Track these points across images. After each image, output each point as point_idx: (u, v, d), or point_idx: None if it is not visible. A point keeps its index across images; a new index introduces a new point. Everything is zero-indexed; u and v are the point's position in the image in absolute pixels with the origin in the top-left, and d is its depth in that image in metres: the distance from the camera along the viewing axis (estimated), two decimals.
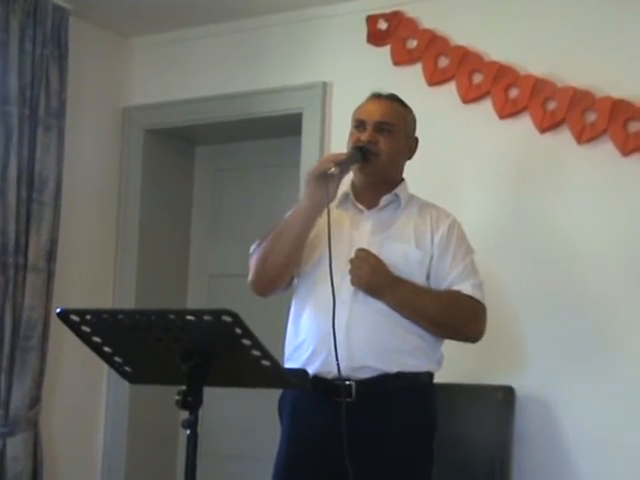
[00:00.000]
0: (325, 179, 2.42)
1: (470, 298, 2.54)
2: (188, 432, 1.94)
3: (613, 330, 3.28)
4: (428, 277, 2.56)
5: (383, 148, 2.57)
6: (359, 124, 2.63)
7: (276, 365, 2.02)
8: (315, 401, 2.49)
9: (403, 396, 2.48)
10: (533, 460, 3.31)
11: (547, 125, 3.42)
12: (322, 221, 2.51)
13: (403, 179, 2.70)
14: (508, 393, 3.31)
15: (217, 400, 4.00)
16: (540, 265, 3.41)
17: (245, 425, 4.26)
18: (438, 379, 3.47)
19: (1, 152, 3.64)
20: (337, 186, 2.47)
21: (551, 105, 3.42)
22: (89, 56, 4.18)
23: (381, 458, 2.44)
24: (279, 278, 2.59)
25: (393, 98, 2.71)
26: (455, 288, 2.54)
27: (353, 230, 2.56)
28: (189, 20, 4.19)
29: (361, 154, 2.54)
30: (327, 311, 2.40)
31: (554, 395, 3.32)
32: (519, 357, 3.41)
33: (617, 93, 3.30)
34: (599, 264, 3.32)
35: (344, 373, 2.41)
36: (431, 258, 2.56)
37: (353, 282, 2.47)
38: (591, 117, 3.35)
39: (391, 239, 2.57)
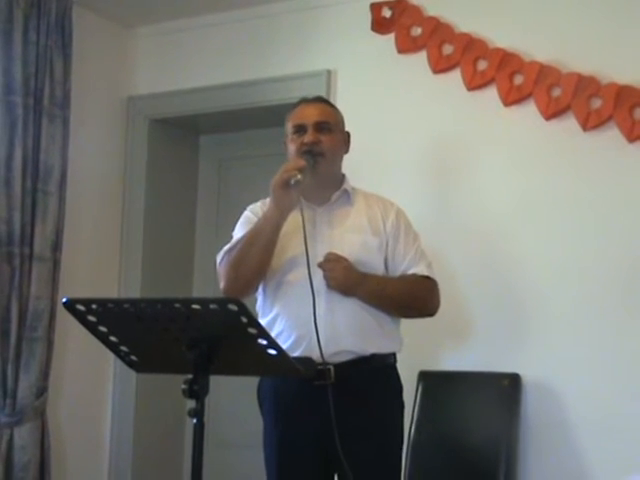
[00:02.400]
0: (289, 187, 2.57)
1: (426, 278, 2.78)
2: (194, 421, 1.95)
3: (619, 317, 3.26)
4: (385, 261, 2.76)
5: (326, 146, 2.74)
6: (299, 129, 2.78)
7: (282, 353, 2.03)
8: (296, 386, 2.64)
9: (377, 376, 2.70)
10: (539, 446, 3.31)
11: (552, 112, 3.41)
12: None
13: (344, 174, 2.86)
14: (514, 380, 3.31)
15: (223, 389, 4.01)
16: (551, 251, 3.39)
17: (251, 414, 4.26)
18: (445, 367, 3.48)
19: (6, 142, 3.64)
20: (300, 192, 2.60)
21: (556, 92, 3.40)
22: (93, 46, 4.17)
23: (362, 434, 2.62)
24: (252, 284, 2.74)
25: (322, 100, 2.93)
26: (412, 271, 2.76)
27: (311, 228, 2.66)
28: (193, 9, 4.18)
29: (313, 157, 2.69)
30: (303, 303, 2.59)
31: (560, 382, 3.32)
32: (525, 344, 3.40)
33: (623, 79, 3.28)
34: (606, 251, 3.30)
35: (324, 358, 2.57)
36: (386, 244, 2.77)
37: (330, 285, 2.64)
38: (596, 103, 3.33)
39: (350, 231, 2.75)
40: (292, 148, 2.78)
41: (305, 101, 2.89)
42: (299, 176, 2.55)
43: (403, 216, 2.84)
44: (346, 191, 2.81)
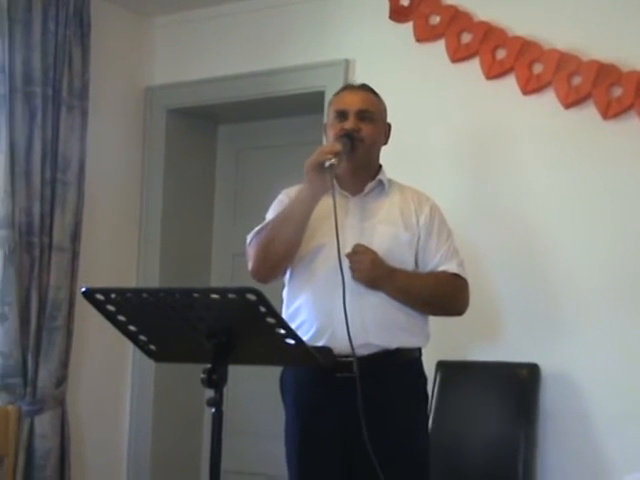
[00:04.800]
0: (323, 169, 2.54)
1: (457, 276, 2.73)
2: (213, 410, 1.95)
3: (639, 308, 3.24)
4: (416, 257, 2.72)
5: (366, 134, 2.70)
6: (340, 114, 2.74)
7: (301, 343, 2.03)
8: (318, 377, 2.62)
9: (401, 371, 2.67)
10: (558, 437, 3.30)
11: (572, 100, 3.38)
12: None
13: (381, 165, 2.82)
14: (533, 370, 3.31)
15: (242, 378, 4.02)
16: (571, 241, 3.38)
17: (269, 403, 4.27)
18: (464, 357, 3.48)
19: (25, 133, 3.65)
20: (334, 175, 2.57)
21: (576, 80, 3.38)
22: (111, 36, 4.18)
23: (385, 427, 2.57)
24: (280, 265, 2.71)
25: (367, 88, 2.83)
26: (442, 268, 2.72)
27: (343, 217, 2.62)
28: None
29: (350, 142, 2.65)
30: (328, 294, 2.58)
31: (579, 372, 3.30)
32: (544, 334, 3.38)
33: None
34: (626, 242, 3.29)
35: (347, 350, 2.53)
36: (418, 239, 2.73)
37: (355, 277, 2.60)
38: (617, 92, 3.30)
39: (381, 224, 2.72)
40: (331, 134, 2.74)
41: (350, 87, 2.86)
42: (333, 160, 2.52)
43: (438, 211, 2.79)
44: (381, 182, 2.77)
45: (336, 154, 2.54)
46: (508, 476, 3.18)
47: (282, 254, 2.65)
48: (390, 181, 2.80)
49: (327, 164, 2.52)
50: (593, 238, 3.34)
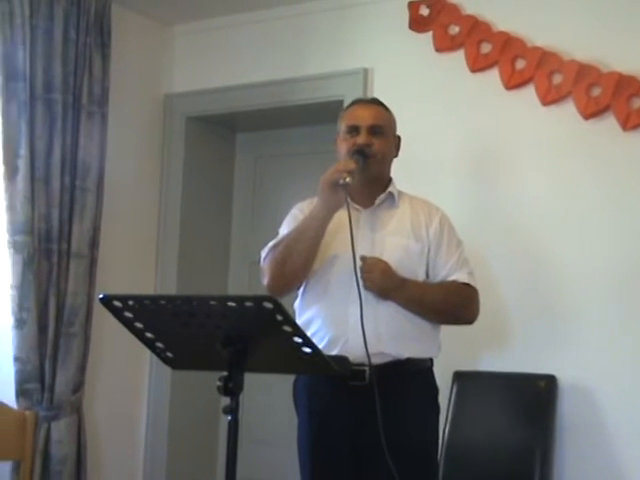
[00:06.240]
0: (337, 187, 2.58)
1: (467, 286, 2.76)
2: (229, 418, 1.95)
3: None
4: (427, 267, 2.76)
5: (377, 149, 2.74)
6: (352, 129, 2.78)
7: (318, 351, 2.03)
8: (331, 385, 2.64)
9: (412, 380, 2.69)
10: (575, 448, 3.29)
11: (591, 111, 3.38)
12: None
13: (391, 178, 2.86)
14: (551, 382, 3.30)
15: (257, 387, 4.02)
16: (589, 253, 3.37)
17: (283, 411, 4.28)
18: (481, 368, 3.47)
19: (45, 139, 3.67)
20: (348, 192, 2.61)
21: (596, 91, 3.37)
22: (131, 44, 4.21)
23: (396, 436, 2.56)
24: (297, 280, 2.74)
25: (378, 102, 2.89)
26: (452, 278, 2.75)
27: (355, 229, 2.64)
28: (230, 7, 4.20)
29: (363, 158, 2.68)
30: (342, 304, 2.64)
31: (596, 383, 3.29)
32: (562, 346, 3.37)
33: None
34: None
35: (360, 359, 2.58)
36: (428, 250, 2.76)
37: (367, 287, 2.63)
38: (637, 103, 3.30)
39: (392, 235, 2.75)
40: (343, 147, 2.78)
41: (361, 102, 2.91)
42: (348, 179, 2.55)
43: (447, 222, 2.83)
44: (391, 194, 2.81)
45: (350, 172, 2.57)
46: None
47: (298, 269, 2.69)
48: (400, 193, 2.84)
49: (341, 182, 2.56)
50: (610, 250, 3.33)
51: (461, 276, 2.75)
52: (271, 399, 4.24)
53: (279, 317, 1.89)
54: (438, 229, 2.78)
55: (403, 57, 3.83)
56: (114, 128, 3.98)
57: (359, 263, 2.61)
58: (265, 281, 2.74)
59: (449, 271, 2.75)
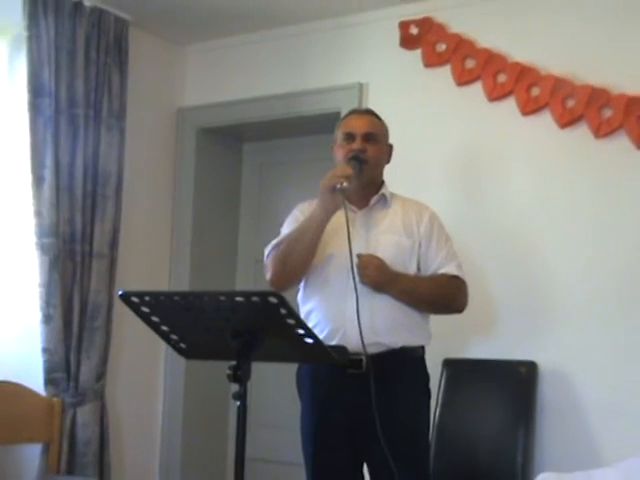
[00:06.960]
0: (335, 191, 2.59)
1: (456, 277, 2.78)
2: (238, 403, 1.97)
3: (631, 309, 3.24)
4: (418, 261, 2.77)
5: (371, 155, 2.77)
6: (348, 136, 2.80)
7: (318, 342, 2.04)
8: (331, 373, 2.66)
9: (405, 367, 2.71)
10: (554, 429, 3.29)
11: (566, 121, 3.39)
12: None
13: (383, 181, 2.88)
14: (531, 367, 3.30)
15: (264, 375, 4.04)
16: (567, 247, 3.38)
17: (288, 398, 4.29)
18: (469, 355, 3.48)
19: (69, 150, 3.69)
20: (345, 196, 2.64)
21: (570, 102, 3.39)
22: (147, 62, 4.22)
23: (391, 421, 2.58)
24: (297, 276, 2.76)
25: (371, 112, 2.92)
26: (442, 270, 2.76)
27: (350, 228, 2.65)
28: (238, 28, 4.21)
29: (359, 164, 2.70)
30: (340, 298, 2.65)
31: (574, 369, 3.30)
32: (542, 334, 3.38)
33: (632, 91, 3.26)
34: (616, 248, 3.29)
35: (357, 349, 2.59)
36: (419, 245, 2.77)
37: (363, 281, 2.64)
38: (607, 113, 3.31)
39: (385, 233, 2.77)
40: (340, 153, 2.80)
41: (356, 112, 2.94)
42: (345, 183, 2.57)
43: (436, 219, 2.85)
44: (384, 195, 2.83)
45: (347, 177, 2.59)
46: (509, 465, 3.17)
47: (298, 266, 2.71)
48: (392, 194, 2.86)
49: (339, 186, 2.57)
50: (587, 244, 3.34)
51: (450, 269, 2.77)
52: (276, 386, 4.24)
53: (283, 311, 1.90)
54: (428, 226, 2.79)
55: (395, 72, 3.84)
56: (131, 139, 3.99)
57: (355, 260, 2.62)
58: (268, 276, 2.76)
59: (439, 264, 2.77)
